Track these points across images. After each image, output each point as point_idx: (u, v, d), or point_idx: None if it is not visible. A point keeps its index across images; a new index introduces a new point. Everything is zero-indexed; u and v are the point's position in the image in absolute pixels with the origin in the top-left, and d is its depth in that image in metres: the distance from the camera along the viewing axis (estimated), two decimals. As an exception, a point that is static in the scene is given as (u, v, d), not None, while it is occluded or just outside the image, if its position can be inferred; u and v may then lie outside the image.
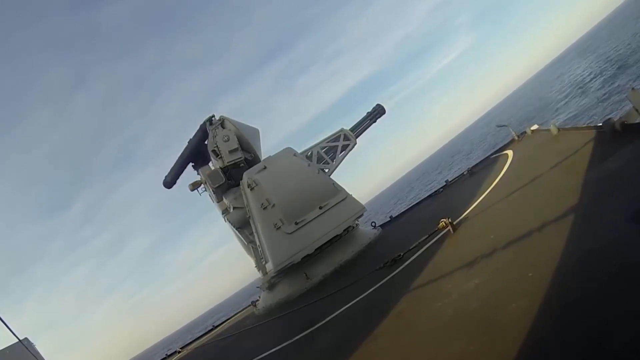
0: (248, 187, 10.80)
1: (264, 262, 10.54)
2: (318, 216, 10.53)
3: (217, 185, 11.81)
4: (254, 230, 10.97)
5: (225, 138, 11.79)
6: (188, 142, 13.54)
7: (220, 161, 11.96)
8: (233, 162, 11.85)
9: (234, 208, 11.67)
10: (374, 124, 14.77)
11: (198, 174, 14.32)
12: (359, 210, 11.19)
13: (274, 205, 10.43)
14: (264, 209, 10.49)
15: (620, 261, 2.87)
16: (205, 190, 14.17)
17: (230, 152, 11.81)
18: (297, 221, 10.34)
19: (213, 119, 12.52)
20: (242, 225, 11.73)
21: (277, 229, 10.25)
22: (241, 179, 11.41)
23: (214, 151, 11.99)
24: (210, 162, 13.76)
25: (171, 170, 13.92)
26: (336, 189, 11.23)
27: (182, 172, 13.97)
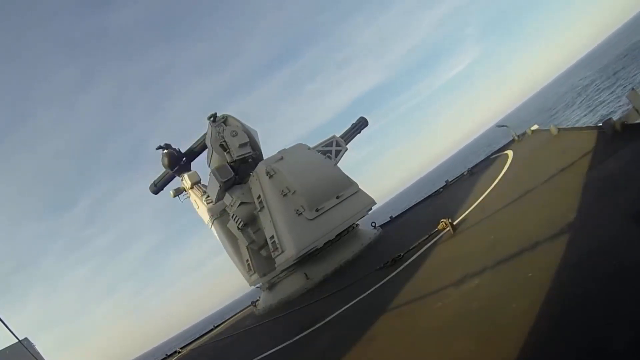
0: (267, 174, 10.83)
1: (277, 254, 10.46)
2: (335, 205, 10.79)
3: (225, 179, 11.52)
4: (267, 221, 10.86)
5: (234, 133, 11.59)
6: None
7: (228, 156, 11.72)
8: (243, 156, 11.62)
9: (241, 203, 11.55)
10: (358, 135, 15.47)
11: (182, 179, 14.29)
12: (370, 202, 11.55)
13: (294, 192, 10.53)
14: (284, 196, 10.57)
15: (620, 261, 2.86)
16: (189, 196, 14.19)
17: (240, 146, 11.56)
18: (318, 208, 10.52)
19: (216, 116, 12.41)
20: (248, 222, 11.64)
21: (299, 215, 10.34)
22: (250, 174, 11.48)
23: (221, 145, 11.74)
24: (192, 166, 14.12)
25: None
26: (350, 181, 11.53)
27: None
